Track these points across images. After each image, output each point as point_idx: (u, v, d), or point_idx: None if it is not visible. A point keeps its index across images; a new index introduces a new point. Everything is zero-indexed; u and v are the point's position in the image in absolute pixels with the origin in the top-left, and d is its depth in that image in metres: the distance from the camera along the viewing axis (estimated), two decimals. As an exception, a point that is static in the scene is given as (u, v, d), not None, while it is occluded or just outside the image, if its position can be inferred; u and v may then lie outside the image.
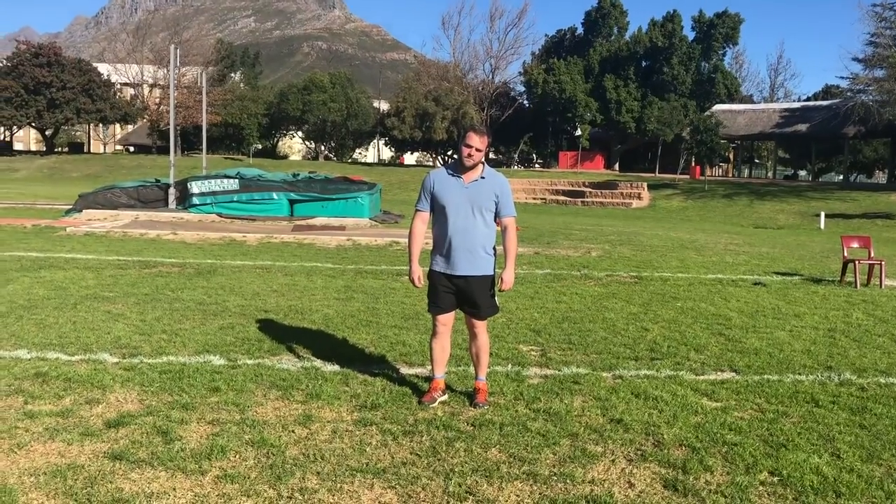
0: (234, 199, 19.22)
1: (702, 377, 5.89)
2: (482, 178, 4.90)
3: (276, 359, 5.96)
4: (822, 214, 28.97)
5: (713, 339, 7.26)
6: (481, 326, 5.05)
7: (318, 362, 5.87)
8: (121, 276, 9.91)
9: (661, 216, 33.65)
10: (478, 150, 4.82)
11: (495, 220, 4.99)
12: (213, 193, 19.26)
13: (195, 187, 19.34)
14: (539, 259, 13.49)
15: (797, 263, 14.49)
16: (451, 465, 3.97)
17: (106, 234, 15.21)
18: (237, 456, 4.00)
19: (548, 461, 4.07)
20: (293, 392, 5.11)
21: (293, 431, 4.38)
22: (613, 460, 4.12)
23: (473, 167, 4.89)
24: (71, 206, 19.89)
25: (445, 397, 5.06)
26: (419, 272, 5.03)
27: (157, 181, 20.86)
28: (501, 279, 4.95)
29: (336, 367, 5.72)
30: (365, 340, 6.71)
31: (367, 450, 4.15)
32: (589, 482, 3.84)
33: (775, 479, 3.93)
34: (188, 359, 5.84)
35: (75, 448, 4.03)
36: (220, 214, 18.94)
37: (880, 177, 69.47)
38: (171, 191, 19.82)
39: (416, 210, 5.07)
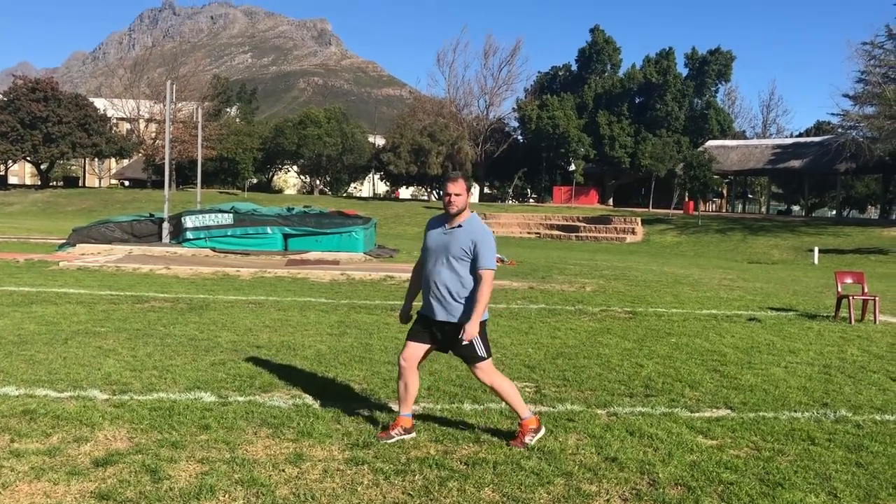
0: (229, 234, 19.22)
1: (697, 414, 5.84)
2: (460, 226, 4.89)
3: (267, 396, 5.90)
4: (816, 250, 29.08)
5: (708, 376, 7.22)
6: (482, 374, 4.97)
7: (309, 399, 5.81)
8: (113, 311, 9.85)
9: (655, 251, 33.74)
10: (457, 194, 4.85)
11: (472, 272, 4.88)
12: (207, 228, 19.25)
13: (189, 222, 19.34)
14: (534, 294, 13.47)
15: (792, 299, 14.49)
16: (443, 506, 3.91)
17: (99, 268, 15.15)
18: (226, 496, 3.94)
19: (542, 501, 4.02)
20: (284, 430, 5.05)
21: (283, 470, 4.32)
22: (608, 500, 4.07)
23: (458, 214, 4.89)
24: (64, 241, 19.86)
25: (408, 437, 4.95)
26: (405, 312, 5.26)
27: (151, 215, 20.86)
28: (463, 329, 4.81)
29: (328, 405, 5.67)
30: (357, 377, 6.65)
31: (359, 489, 4.09)
32: (583, 523, 3.78)
33: (772, 519, 3.88)
34: (179, 395, 5.77)
35: (61, 488, 3.96)
36: (213, 249, 18.92)
37: (872, 212, 69.91)
38: (165, 225, 19.82)
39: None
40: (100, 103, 61.09)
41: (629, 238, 37.85)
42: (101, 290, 11.92)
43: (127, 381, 6.15)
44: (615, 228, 39.45)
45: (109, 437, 4.79)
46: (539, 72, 67.37)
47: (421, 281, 5.18)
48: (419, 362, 5.09)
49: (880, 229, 35.55)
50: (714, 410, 6.00)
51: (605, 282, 16.18)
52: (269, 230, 19.34)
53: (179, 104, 52.97)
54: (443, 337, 4.96)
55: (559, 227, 41.59)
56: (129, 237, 19.89)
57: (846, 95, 41.77)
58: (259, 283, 13.67)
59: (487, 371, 4.97)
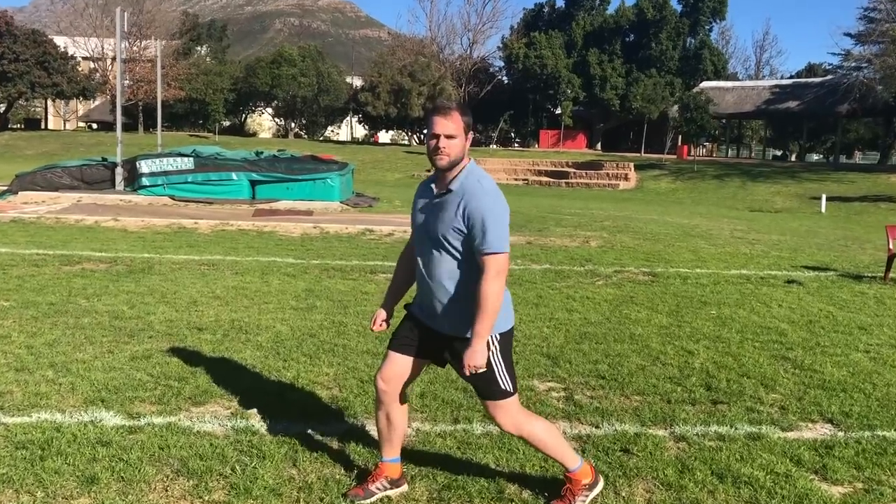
0: (189, 180, 17.23)
1: (792, 434, 4.23)
2: (449, 190, 3.05)
3: (197, 412, 4.21)
4: (824, 197, 27.48)
5: (779, 367, 5.61)
6: (503, 415, 3.16)
7: (256, 419, 4.12)
8: (31, 276, 8.04)
9: (651, 198, 32.08)
10: (448, 136, 2.96)
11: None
12: (165, 173, 17.27)
13: (144, 166, 17.33)
14: (534, 251, 11.77)
15: (821, 255, 12.92)
16: None
17: (36, 220, 13.27)
18: None
19: None
20: (210, 482, 3.36)
21: (194, 579, 2.64)
22: None
23: (451, 168, 3.03)
24: (6, 188, 17.81)
25: (395, 493, 3.31)
26: (381, 315, 3.38)
27: (104, 160, 18.80)
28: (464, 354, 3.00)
29: (280, 429, 3.99)
30: (326, 376, 4.97)
31: None
32: None
33: None
34: (69, 416, 4.07)
35: None
36: (172, 197, 16.98)
37: (858, 156, 68.40)
38: (119, 170, 17.80)
39: None
40: (60, 41, 57.54)
41: (622, 185, 36.09)
42: (28, 248, 10.08)
43: (4, 390, 4.43)
44: (607, 174, 37.63)
45: (-70, 505, 3.08)
46: (524, 8, 64.54)
47: (406, 272, 3.40)
48: (407, 384, 3.34)
49: (886, 175, 33.91)
50: (810, 426, 4.39)
51: (610, 235, 14.50)
52: (234, 176, 17.37)
53: (145, 42, 49.90)
54: (440, 349, 3.21)
55: (548, 174, 39.73)
56: (79, 184, 17.86)
57: (848, 34, 39.83)
58: (218, 239, 11.86)
59: (511, 412, 3.17)
